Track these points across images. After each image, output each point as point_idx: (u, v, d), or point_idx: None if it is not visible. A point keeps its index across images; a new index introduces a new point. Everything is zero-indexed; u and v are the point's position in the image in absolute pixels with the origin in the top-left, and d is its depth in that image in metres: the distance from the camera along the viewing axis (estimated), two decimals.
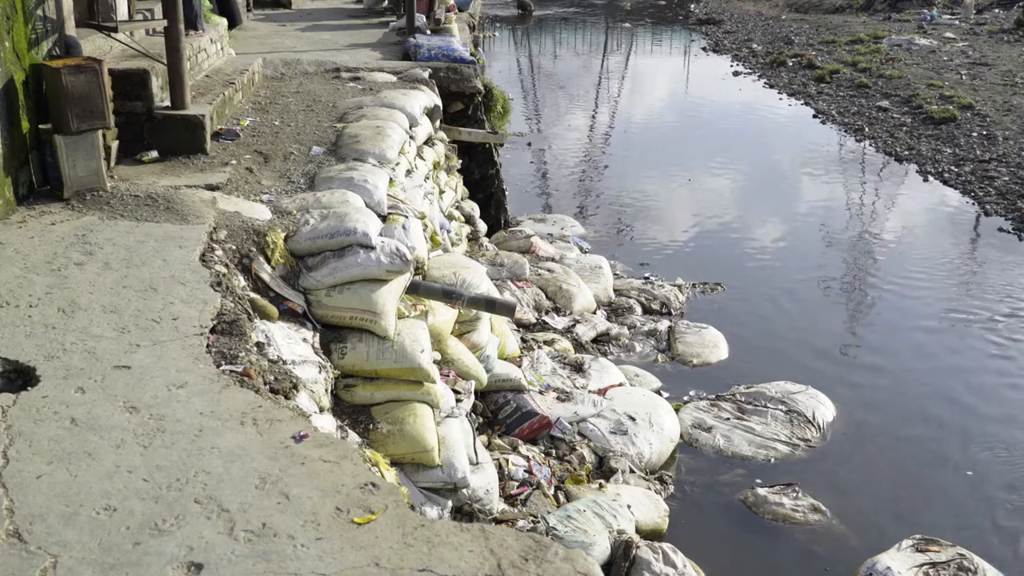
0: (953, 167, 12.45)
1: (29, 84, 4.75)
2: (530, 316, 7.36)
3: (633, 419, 5.79)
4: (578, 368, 6.45)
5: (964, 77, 17.42)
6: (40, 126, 4.83)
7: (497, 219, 9.61)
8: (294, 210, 4.84)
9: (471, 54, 9.98)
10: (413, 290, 4.87)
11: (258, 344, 3.73)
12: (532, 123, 16.54)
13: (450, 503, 4.33)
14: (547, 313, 7.55)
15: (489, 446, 5.22)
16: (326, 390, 4.04)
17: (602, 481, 5.27)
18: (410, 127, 6.87)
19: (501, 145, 10.22)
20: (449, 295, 5.03)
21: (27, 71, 4.73)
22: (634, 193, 12.12)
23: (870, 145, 14.17)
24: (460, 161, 8.96)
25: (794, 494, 5.39)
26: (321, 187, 5.35)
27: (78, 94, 4.67)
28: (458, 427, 4.63)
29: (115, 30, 5.73)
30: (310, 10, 14.20)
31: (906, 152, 13.42)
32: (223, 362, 3.38)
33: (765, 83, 19.49)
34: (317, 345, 4.23)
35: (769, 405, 6.26)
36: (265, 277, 4.33)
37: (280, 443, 2.90)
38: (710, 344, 7.33)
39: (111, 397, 3.06)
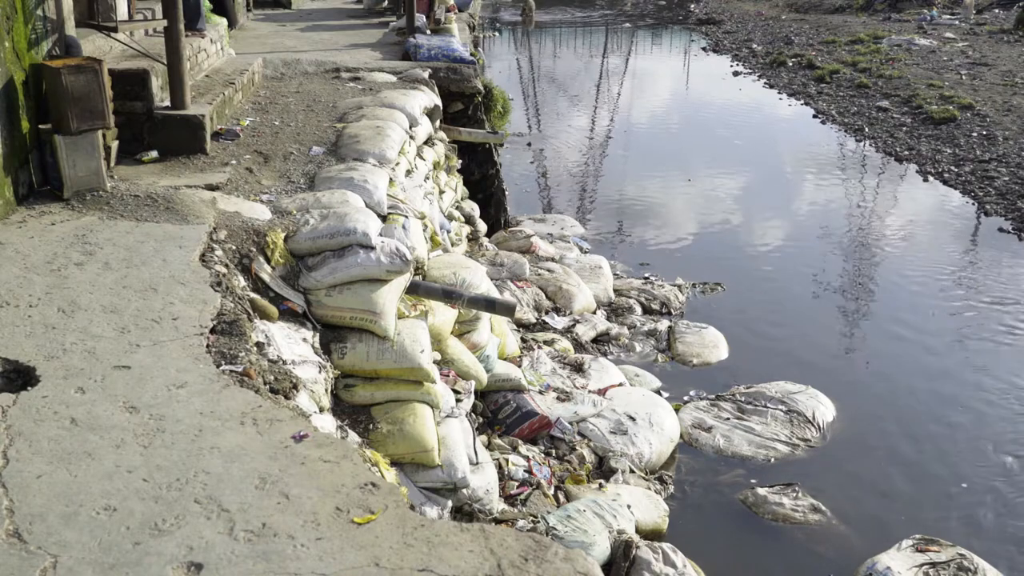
0: (953, 167, 12.45)
1: (29, 84, 4.75)
2: (530, 316, 7.36)
3: (633, 419, 5.79)
4: (578, 368, 6.44)
5: (964, 77, 17.42)
6: (40, 126, 4.83)
7: (497, 219, 9.60)
8: (294, 210, 4.84)
9: (471, 54, 9.99)
10: (413, 290, 4.87)
11: (258, 344, 3.73)
12: (532, 123, 16.55)
13: (450, 503, 4.32)
14: (547, 313, 7.55)
15: (489, 446, 5.22)
16: (326, 390, 4.04)
17: (602, 481, 5.26)
18: (410, 127, 6.87)
19: (501, 145, 10.22)
20: (449, 295, 5.03)
21: (27, 71, 4.73)
22: (634, 193, 12.12)
23: (870, 145, 14.17)
24: (460, 161, 8.96)
25: (794, 494, 5.39)
26: (321, 187, 5.35)
27: (78, 94, 4.67)
28: (458, 427, 4.63)
29: (115, 30, 5.73)
30: (310, 10, 14.21)
31: (906, 152, 13.42)
32: (223, 362, 3.38)
33: (765, 83, 19.50)
34: (317, 345, 4.23)
35: (769, 405, 6.26)
36: (265, 277, 4.33)
37: (280, 443, 2.90)
38: (710, 344, 7.33)
39: (111, 397, 3.06)
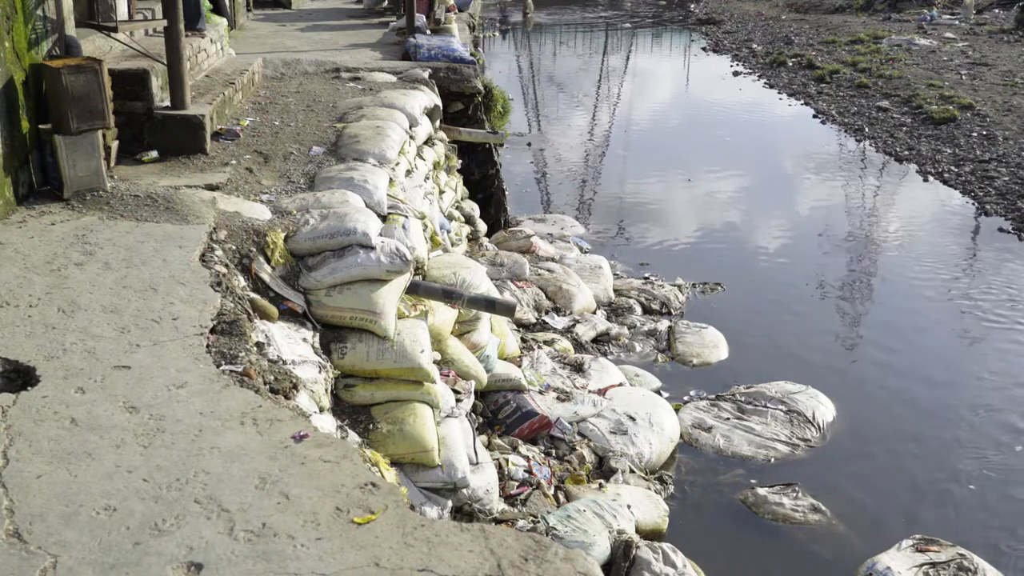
0: (953, 167, 12.45)
1: (29, 84, 4.75)
2: (530, 316, 7.36)
3: (633, 419, 5.79)
4: (578, 368, 6.44)
5: (964, 77, 17.42)
6: (40, 126, 4.83)
7: (497, 219, 9.60)
8: (294, 210, 4.84)
9: (471, 54, 9.99)
10: (413, 290, 4.87)
11: (258, 344, 3.73)
12: (532, 123, 16.55)
13: (450, 503, 4.32)
14: (547, 313, 7.54)
15: (489, 446, 5.22)
16: (326, 390, 4.04)
17: (602, 481, 5.26)
18: (410, 127, 6.87)
19: (501, 145, 10.22)
20: (449, 295, 5.03)
21: (27, 71, 4.73)
22: (634, 193, 12.12)
23: (870, 145, 14.17)
24: (460, 161, 8.96)
25: (794, 494, 5.39)
26: (321, 187, 5.35)
27: (78, 94, 4.67)
28: (458, 427, 4.63)
29: (115, 30, 5.73)
30: (310, 10, 14.22)
31: (906, 152, 13.42)
32: (223, 362, 3.38)
33: (765, 83, 19.50)
34: (317, 345, 4.23)
35: (769, 405, 6.26)
36: (265, 277, 4.33)
37: (280, 443, 2.90)
38: (710, 344, 7.33)
39: (111, 397, 3.06)
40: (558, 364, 6.46)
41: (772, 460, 5.84)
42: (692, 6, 33.91)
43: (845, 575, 4.81)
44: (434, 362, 4.64)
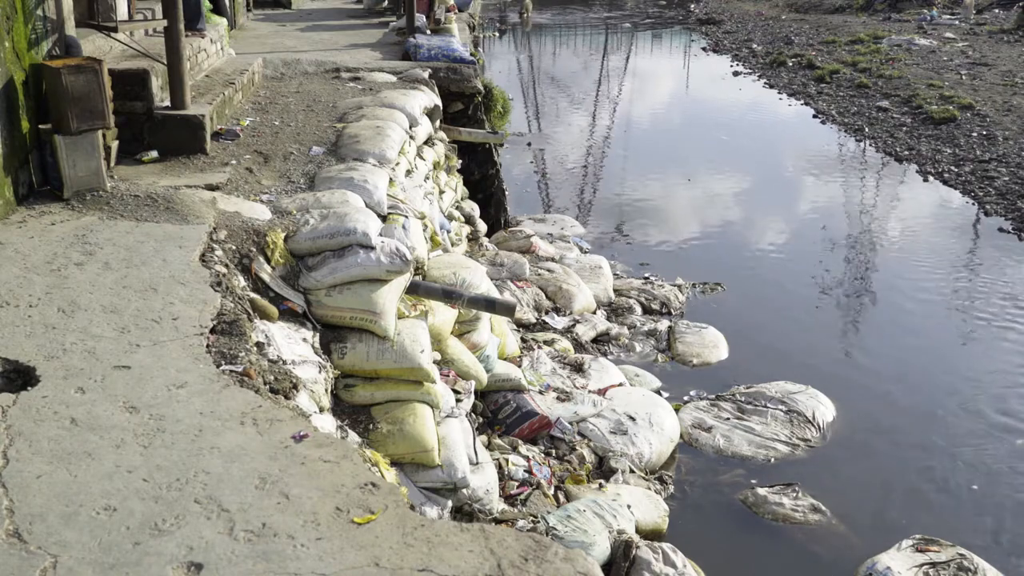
0: (953, 167, 12.45)
1: (29, 84, 4.75)
2: (530, 316, 7.36)
3: (633, 419, 5.79)
4: (578, 368, 6.44)
5: (964, 77, 17.42)
6: (40, 126, 4.83)
7: (497, 219, 9.61)
8: (294, 210, 4.84)
9: (471, 54, 10.00)
10: (413, 290, 4.87)
11: (258, 344, 3.73)
12: (532, 123, 16.56)
13: (450, 503, 4.33)
14: (547, 313, 7.54)
15: (489, 446, 5.22)
16: (326, 390, 4.04)
17: (602, 481, 5.26)
18: (410, 127, 6.87)
19: (501, 145, 10.22)
20: (449, 295, 5.03)
21: (27, 71, 4.73)
22: (634, 193, 12.12)
23: (870, 145, 14.17)
24: (460, 161, 8.96)
25: (794, 494, 5.39)
26: (321, 187, 5.35)
27: (78, 94, 4.67)
28: (458, 427, 4.63)
29: (115, 30, 5.74)
30: (310, 10, 14.23)
31: (906, 152, 13.42)
32: (223, 362, 3.38)
33: (765, 83, 19.50)
34: (317, 345, 4.23)
35: (769, 405, 6.26)
36: (265, 277, 4.33)
37: (280, 443, 2.90)
38: (710, 344, 7.33)
39: (111, 397, 3.06)
40: (558, 364, 6.46)
41: (772, 460, 5.84)
42: (692, 6, 33.93)
43: (845, 575, 4.81)
44: (434, 362, 4.64)
